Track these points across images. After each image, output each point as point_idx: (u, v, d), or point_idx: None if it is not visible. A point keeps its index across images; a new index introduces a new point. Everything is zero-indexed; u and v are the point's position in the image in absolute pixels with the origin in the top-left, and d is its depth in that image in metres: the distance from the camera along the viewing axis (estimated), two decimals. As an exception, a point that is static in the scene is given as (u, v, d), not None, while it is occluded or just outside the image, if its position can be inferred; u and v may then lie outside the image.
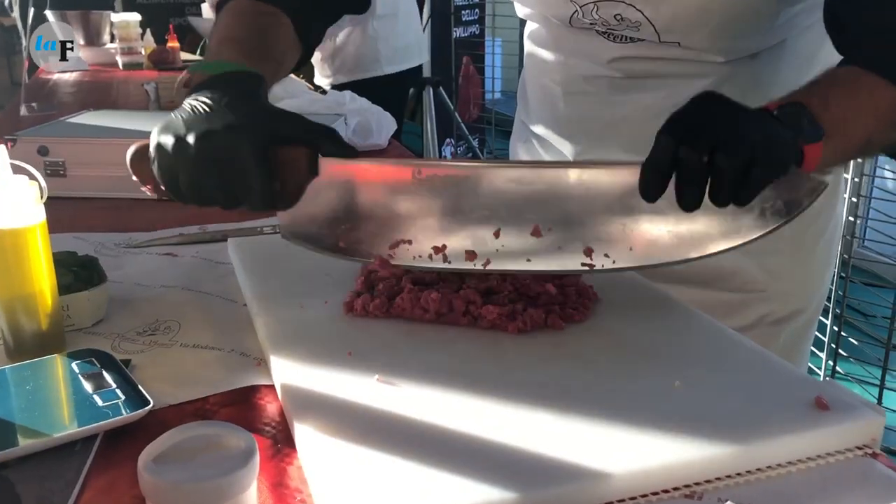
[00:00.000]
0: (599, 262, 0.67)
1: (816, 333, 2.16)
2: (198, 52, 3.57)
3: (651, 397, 0.57)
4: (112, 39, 2.99)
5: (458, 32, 4.05)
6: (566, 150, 1.09)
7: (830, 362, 2.23)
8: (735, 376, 0.61)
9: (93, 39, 3.02)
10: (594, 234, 0.66)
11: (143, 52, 2.87)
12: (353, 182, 0.69)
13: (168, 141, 0.63)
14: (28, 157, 1.16)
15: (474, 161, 0.71)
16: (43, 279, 0.66)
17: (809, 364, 2.28)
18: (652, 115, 0.97)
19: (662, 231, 0.66)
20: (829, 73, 0.75)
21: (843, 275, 2.16)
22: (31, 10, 2.66)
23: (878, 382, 2.08)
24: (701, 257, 0.67)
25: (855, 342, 2.19)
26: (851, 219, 2.20)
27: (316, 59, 2.48)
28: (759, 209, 0.64)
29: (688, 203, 0.60)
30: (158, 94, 2.02)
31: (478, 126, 4.38)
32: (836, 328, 2.18)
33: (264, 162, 0.62)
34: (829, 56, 0.98)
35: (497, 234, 0.68)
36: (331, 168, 0.67)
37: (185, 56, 3.09)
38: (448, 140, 4.14)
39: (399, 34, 2.55)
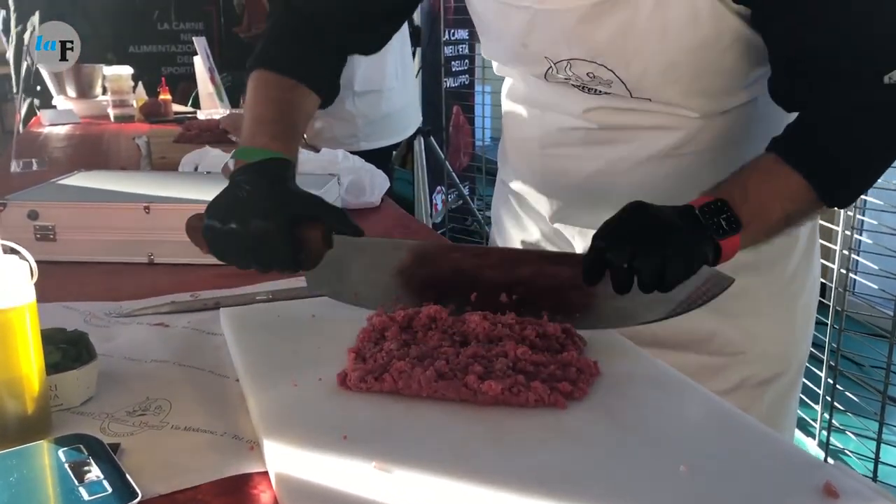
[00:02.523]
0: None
1: (811, 385, 2.16)
2: (189, 102, 3.59)
3: (656, 483, 0.56)
4: (104, 92, 3.00)
5: (448, 83, 4.09)
6: (543, 208, 1.11)
7: (826, 415, 2.21)
8: (741, 459, 0.59)
9: (85, 92, 3.03)
10: (550, 304, 0.82)
11: (134, 105, 2.88)
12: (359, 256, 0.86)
13: (216, 224, 0.82)
14: (18, 221, 1.16)
15: (458, 247, 0.96)
16: (30, 361, 0.64)
17: (805, 416, 2.27)
18: (627, 168, 1.00)
19: (602, 304, 0.81)
20: (754, 162, 0.85)
21: (836, 326, 2.16)
22: (25, 63, 2.66)
23: (874, 436, 2.07)
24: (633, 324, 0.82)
25: (852, 396, 2.18)
26: (843, 271, 2.20)
27: None
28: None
29: (618, 291, 0.75)
30: (150, 150, 2.02)
31: (468, 174, 4.40)
32: (830, 380, 2.16)
33: (288, 239, 0.80)
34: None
35: (474, 297, 0.84)
36: (342, 242, 0.84)
37: (177, 108, 3.11)
38: (439, 188, 4.15)
39: (382, 110, 2.51)
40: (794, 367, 1.09)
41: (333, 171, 1.42)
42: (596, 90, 0.95)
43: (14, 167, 1.92)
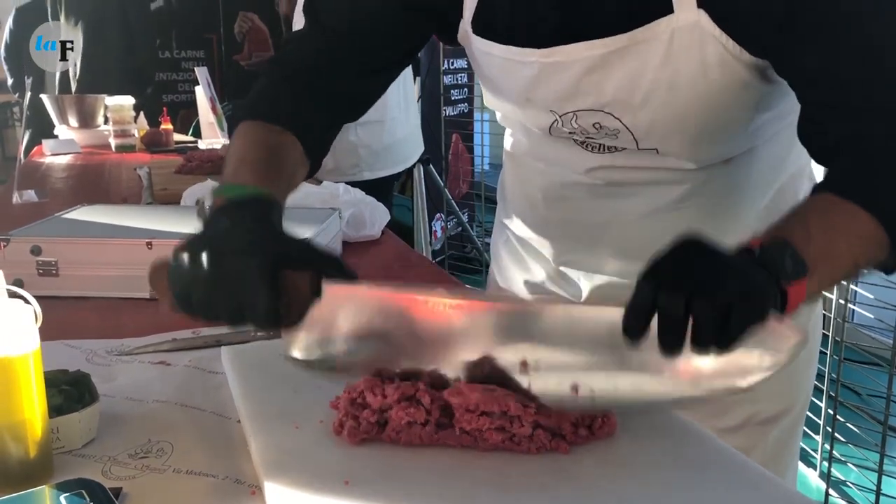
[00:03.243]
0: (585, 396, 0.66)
1: (812, 416, 2.16)
2: (190, 131, 3.62)
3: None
4: (106, 121, 3.02)
5: (447, 111, 4.12)
6: (546, 251, 1.11)
7: (827, 445, 2.21)
8: (742, 506, 0.59)
9: (87, 121, 3.05)
10: (580, 371, 0.66)
11: (136, 135, 2.90)
12: (352, 307, 0.71)
13: (184, 259, 0.67)
14: (21, 256, 1.16)
15: (465, 294, 0.70)
16: (33, 406, 0.64)
17: (806, 447, 2.26)
18: (630, 221, 1.00)
19: (646, 375, 0.64)
20: (808, 202, 0.75)
21: (835, 356, 2.16)
22: (28, 94, 2.69)
23: (875, 467, 2.06)
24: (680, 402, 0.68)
25: (852, 427, 2.17)
26: (842, 301, 2.21)
27: None
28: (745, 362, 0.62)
29: (668, 347, 0.59)
30: (151, 181, 2.03)
31: (467, 202, 4.42)
32: (830, 411, 2.16)
33: (270, 283, 0.65)
34: (797, 160, 1.02)
35: (485, 365, 0.67)
36: (332, 292, 0.69)
37: (178, 137, 3.13)
38: (438, 215, 4.17)
39: (384, 141, 2.54)
40: (800, 404, 1.08)
41: (335, 205, 1.43)
42: (600, 146, 0.95)
43: (16, 198, 1.93)
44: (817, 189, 0.77)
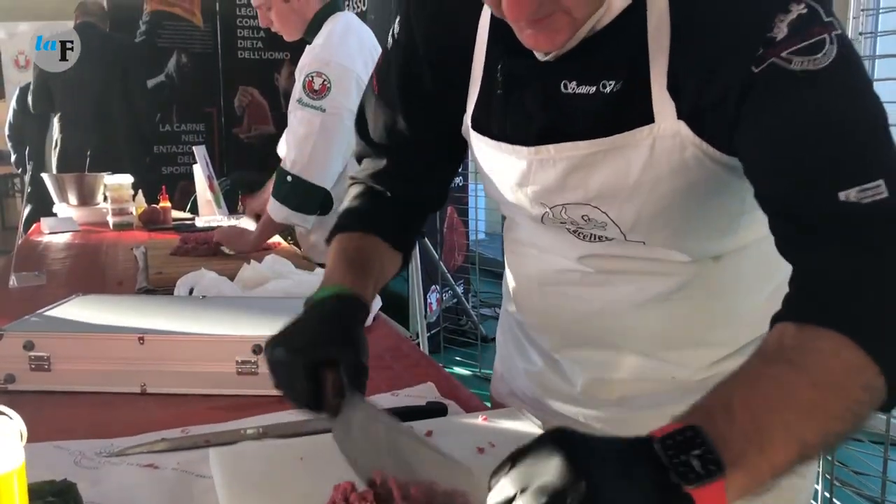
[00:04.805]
0: None
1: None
2: (188, 207, 3.66)
3: None
4: (105, 199, 3.06)
5: (442, 185, 4.17)
6: (543, 338, 1.14)
7: (825, 527, 2.18)
8: None
9: (86, 200, 3.09)
10: None
11: (133, 213, 2.93)
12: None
13: (266, 352, 0.86)
14: (14, 351, 1.17)
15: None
16: (18, 524, 0.64)
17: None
18: (624, 310, 1.02)
19: None
20: (750, 363, 0.66)
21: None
22: (29, 172, 2.73)
23: (875, 550, 2.03)
24: None
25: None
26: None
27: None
28: None
29: None
30: (147, 263, 2.05)
31: (462, 274, 4.45)
32: (827, 493, 2.14)
33: (308, 378, 0.81)
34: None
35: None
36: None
37: (175, 214, 3.16)
38: (434, 287, 4.19)
39: None
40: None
41: (326, 293, 1.45)
42: (591, 235, 0.98)
43: (12, 282, 1.95)
44: (778, 318, 0.70)
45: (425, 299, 3.88)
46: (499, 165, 0.98)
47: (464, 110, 0.99)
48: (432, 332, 4.06)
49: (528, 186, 0.96)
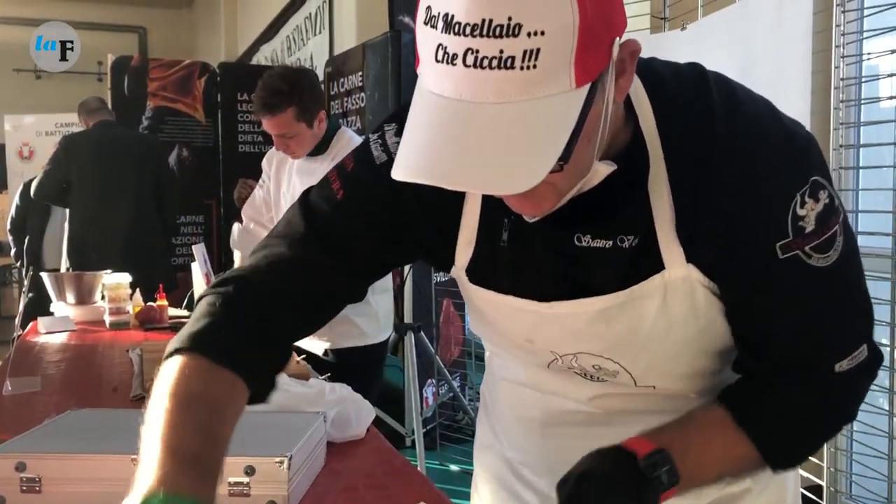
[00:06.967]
0: None
1: None
2: (185, 304, 3.67)
3: None
4: (103, 297, 3.08)
5: (437, 277, 4.21)
6: (541, 479, 1.10)
7: None
8: None
9: (84, 298, 3.11)
10: None
11: (130, 311, 2.94)
12: None
13: None
14: (5, 472, 1.17)
15: None
16: None
17: None
18: None
19: None
20: (700, 415, 0.91)
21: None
22: (31, 271, 2.76)
23: None
24: None
25: None
26: (833, 469, 2.19)
27: None
28: None
29: None
30: (142, 367, 2.06)
31: (458, 369, 4.43)
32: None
33: None
34: None
35: None
36: None
37: (172, 312, 3.18)
38: (429, 381, 4.17)
39: (361, 314, 2.61)
40: None
41: (320, 407, 1.45)
42: (600, 378, 0.99)
43: (7, 388, 1.95)
44: (719, 398, 0.91)
45: (421, 394, 3.85)
46: (504, 316, 0.97)
47: (448, 255, 0.96)
48: (428, 427, 4.02)
49: (538, 337, 0.96)
